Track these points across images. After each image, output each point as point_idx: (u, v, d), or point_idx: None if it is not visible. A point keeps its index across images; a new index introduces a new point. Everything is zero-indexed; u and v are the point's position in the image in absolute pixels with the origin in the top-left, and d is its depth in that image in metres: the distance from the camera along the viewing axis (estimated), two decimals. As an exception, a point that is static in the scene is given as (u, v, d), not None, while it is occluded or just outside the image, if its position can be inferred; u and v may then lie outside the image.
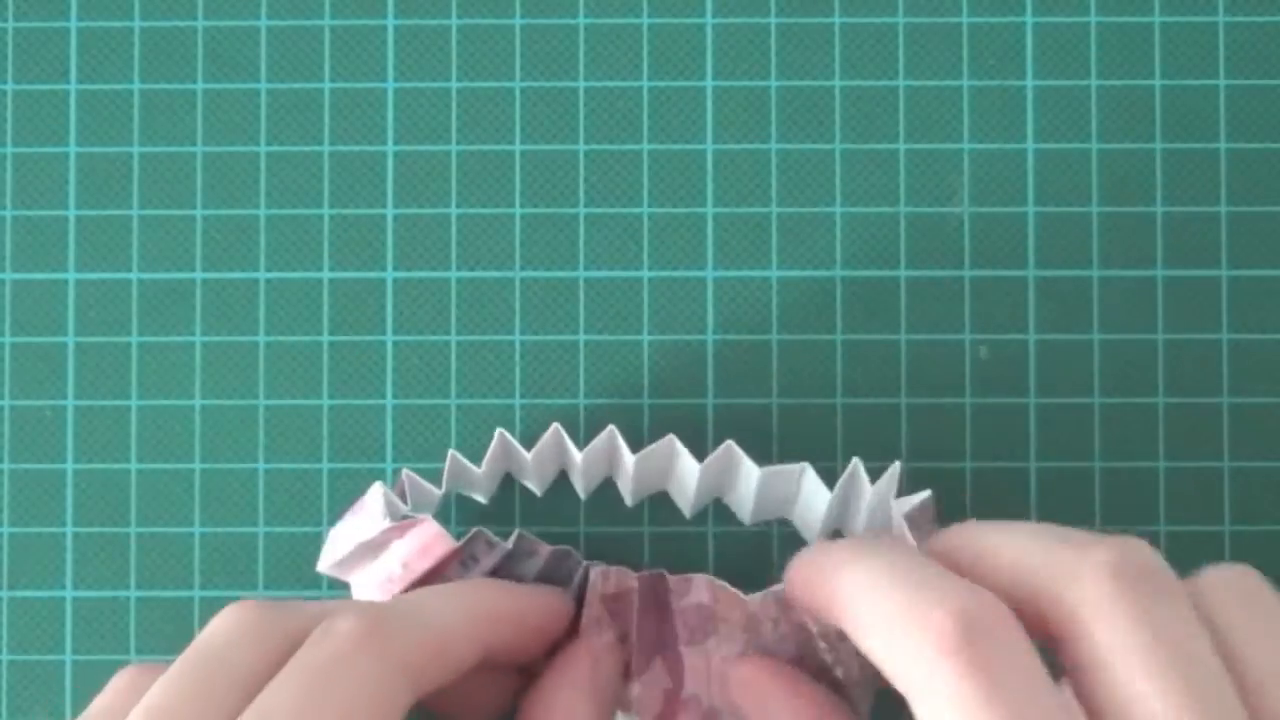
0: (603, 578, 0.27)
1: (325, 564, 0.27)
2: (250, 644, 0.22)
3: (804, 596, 0.24)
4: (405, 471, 0.28)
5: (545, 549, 0.27)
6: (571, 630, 0.27)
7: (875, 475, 0.28)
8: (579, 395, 0.30)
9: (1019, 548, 0.22)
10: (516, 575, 0.27)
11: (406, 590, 0.26)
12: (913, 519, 0.26)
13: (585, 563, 0.27)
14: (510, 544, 0.26)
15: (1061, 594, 0.21)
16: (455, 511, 0.30)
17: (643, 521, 0.30)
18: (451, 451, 0.28)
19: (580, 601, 0.27)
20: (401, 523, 0.26)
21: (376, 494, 0.27)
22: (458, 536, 0.27)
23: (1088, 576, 0.20)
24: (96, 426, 0.30)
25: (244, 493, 0.30)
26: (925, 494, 0.27)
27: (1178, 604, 0.20)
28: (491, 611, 0.25)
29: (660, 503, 0.30)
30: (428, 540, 0.26)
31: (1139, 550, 0.21)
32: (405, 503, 0.28)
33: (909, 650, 0.20)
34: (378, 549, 0.26)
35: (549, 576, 0.27)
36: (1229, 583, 0.22)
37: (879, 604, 0.21)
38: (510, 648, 0.25)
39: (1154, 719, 0.19)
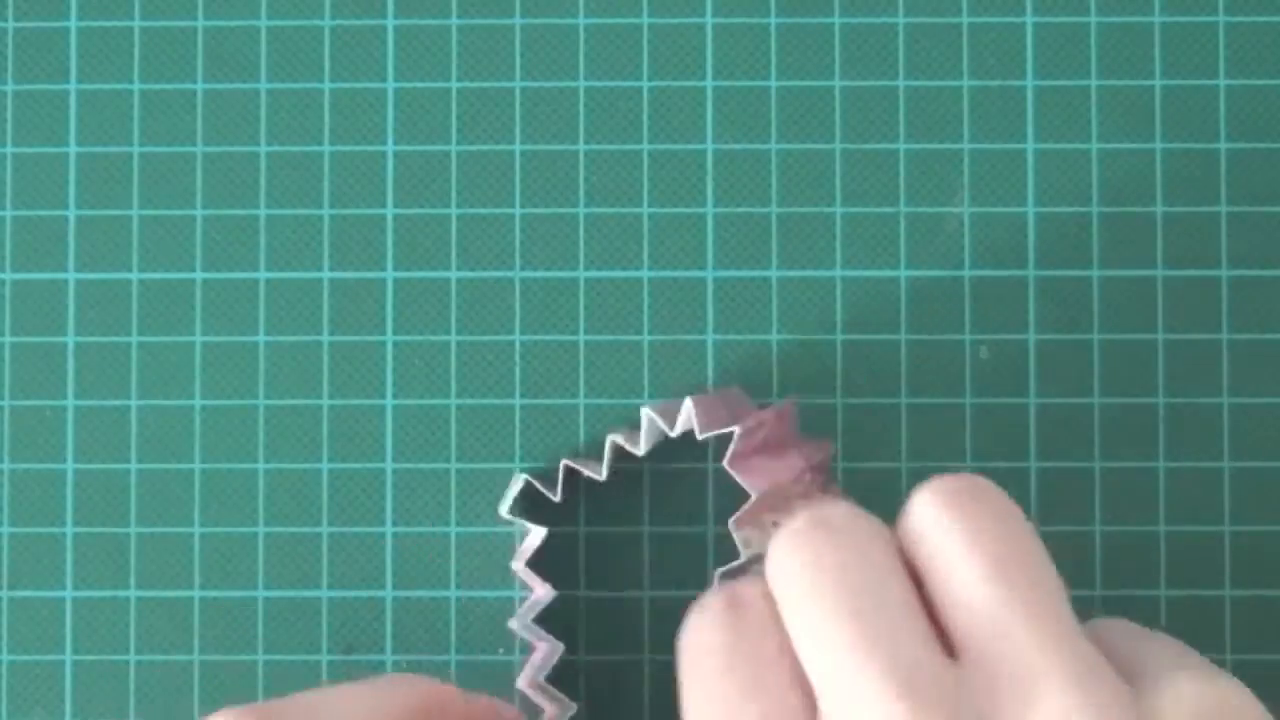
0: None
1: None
2: None
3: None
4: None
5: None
6: None
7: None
8: (579, 395, 0.30)
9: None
10: None
11: None
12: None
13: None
14: None
15: (910, 520, 0.21)
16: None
17: (643, 521, 0.30)
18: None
19: None
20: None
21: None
22: None
23: (929, 499, 0.21)
24: (96, 426, 0.30)
25: (244, 493, 0.30)
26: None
27: (841, 541, 0.21)
28: (400, 713, 0.24)
29: (660, 502, 0.30)
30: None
31: (973, 478, 0.21)
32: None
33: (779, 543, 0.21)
34: None
35: None
36: (922, 499, 0.22)
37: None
38: None
39: (978, 610, 0.20)
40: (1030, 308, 0.30)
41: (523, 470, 0.30)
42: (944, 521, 0.21)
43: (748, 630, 0.21)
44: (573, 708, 0.28)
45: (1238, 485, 0.30)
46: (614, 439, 0.28)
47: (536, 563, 0.28)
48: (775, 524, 0.26)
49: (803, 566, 0.21)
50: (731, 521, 0.26)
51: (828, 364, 0.30)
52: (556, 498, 0.29)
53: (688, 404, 0.27)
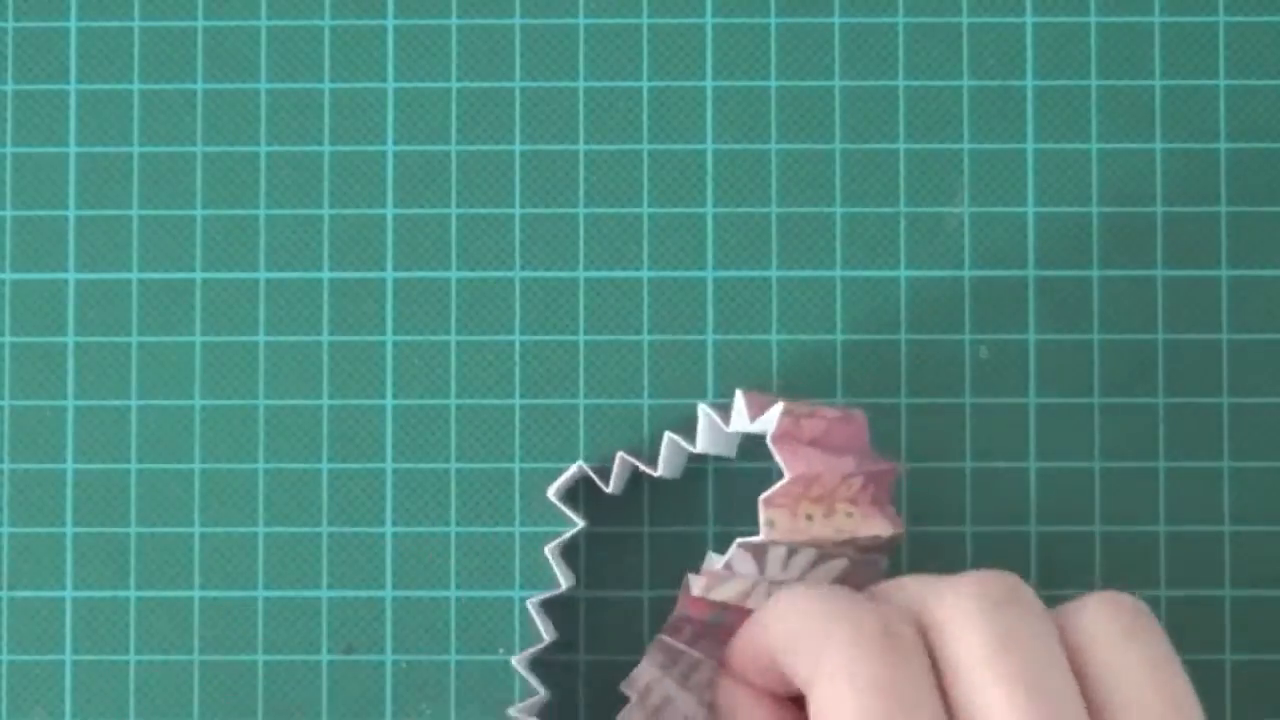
0: None
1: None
2: None
3: (743, 663, 0.26)
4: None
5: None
6: None
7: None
8: (579, 395, 0.30)
9: (906, 586, 0.24)
10: None
11: None
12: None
13: None
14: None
15: (932, 613, 0.23)
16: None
17: (643, 522, 0.30)
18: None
19: None
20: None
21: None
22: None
23: (950, 594, 0.22)
24: (96, 426, 0.30)
25: (244, 493, 0.30)
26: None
27: (1032, 620, 0.22)
28: None
29: (660, 504, 0.30)
30: None
31: (1002, 577, 0.23)
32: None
33: (821, 656, 0.22)
34: None
35: None
36: (1103, 609, 0.23)
37: (797, 626, 0.23)
38: None
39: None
40: (1030, 308, 0.30)
41: (523, 467, 0.30)
42: (1123, 643, 0.22)
43: (909, 672, 0.22)
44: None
45: (1238, 485, 0.30)
46: (672, 436, 0.28)
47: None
48: (810, 517, 0.26)
49: (997, 637, 0.22)
50: (762, 498, 0.26)
51: (828, 364, 0.30)
52: (609, 489, 0.29)
53: (741, 400, 0.27)
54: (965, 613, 0.22)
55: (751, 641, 0.25)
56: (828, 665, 0.22)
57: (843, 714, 0.21)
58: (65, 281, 0.31)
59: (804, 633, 0.23)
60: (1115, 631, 0.22)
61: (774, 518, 0.26)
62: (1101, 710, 0.22)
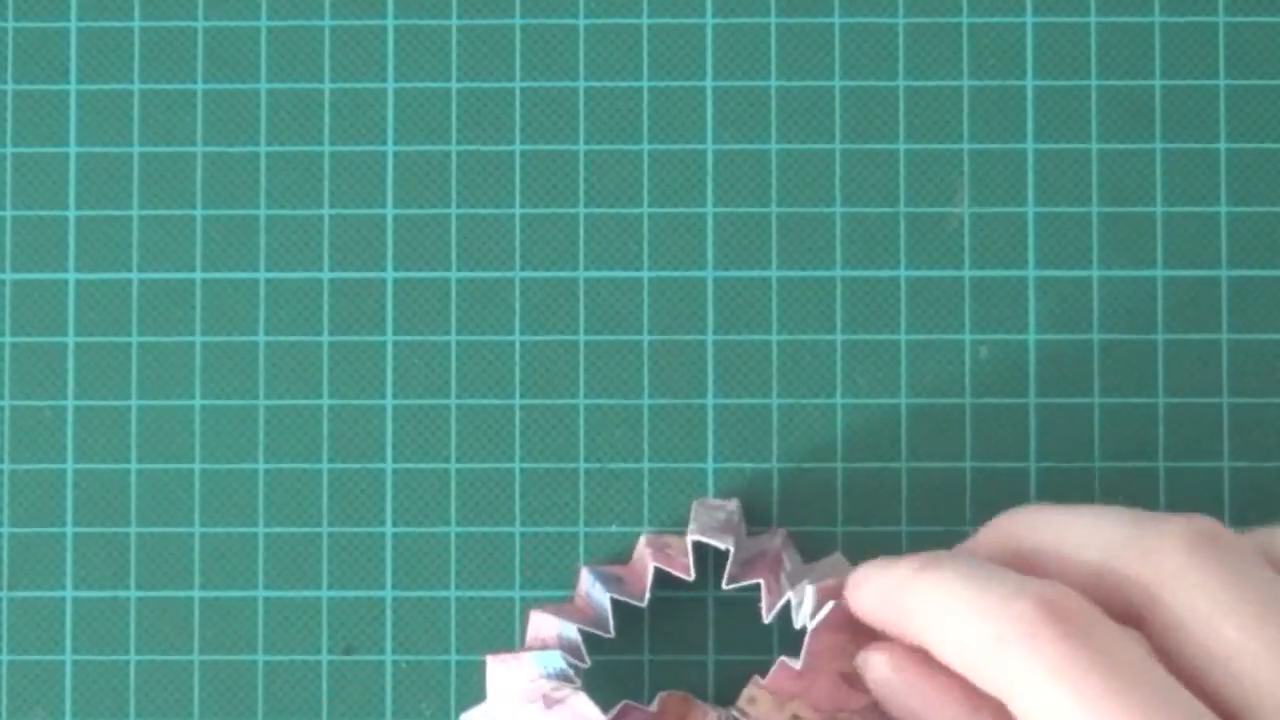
0: None
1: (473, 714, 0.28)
2: None
3: (873, 614, 0.24)
4: (533, 613, 0.28)
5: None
6: None
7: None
8: (579, 395, 0.30)
9: (1081, 536, 0.22)
10: None
11: None
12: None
13: None
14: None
15: (1138, 573, 0.21)
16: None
17: (643, 521, 0.30)
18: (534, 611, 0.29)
19: None
20: (554, 692, 0.26)
21: (529, 661, 0.27)
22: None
23: (1162, 551, 0.21)
24: (96, 426, 0.30)
25: (244, 493, 0.30)
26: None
27: (1253, 563, 0.21)
28: None
29: (660, 502, 0.30)
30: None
31: (1205, 521, 0.21)
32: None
33: (999, 647, 0.21)
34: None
35: None
36: None
37: (957, 611, 0.22)
38: None
39: (1259, 669, 0.19)
40: (1030, 308, 0.30)
41: (523, 468, 0.30)
42: None
43: (1118, 648, 0.20)
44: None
45: (1238, 485, 0.30)
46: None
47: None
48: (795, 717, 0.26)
49: (1224, 582, 0.20)
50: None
51: (827, 364, 0.30)
52: (690, 577, 0.28)
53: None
54: (1182, 566, 0.20)
55: (889, 620, 0.23)
56: (1004, 679, 0.20)
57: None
58: (65, 281, 0.31)
59: (964, 634, 0.21)
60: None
61: (756, 695, 0.26)
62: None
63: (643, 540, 0.29)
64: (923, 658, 0.23)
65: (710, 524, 0.28)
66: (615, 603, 0.28)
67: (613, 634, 0.27)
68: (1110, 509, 0.23)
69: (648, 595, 0.28)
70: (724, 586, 0.27)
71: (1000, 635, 0.21)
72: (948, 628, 0.22)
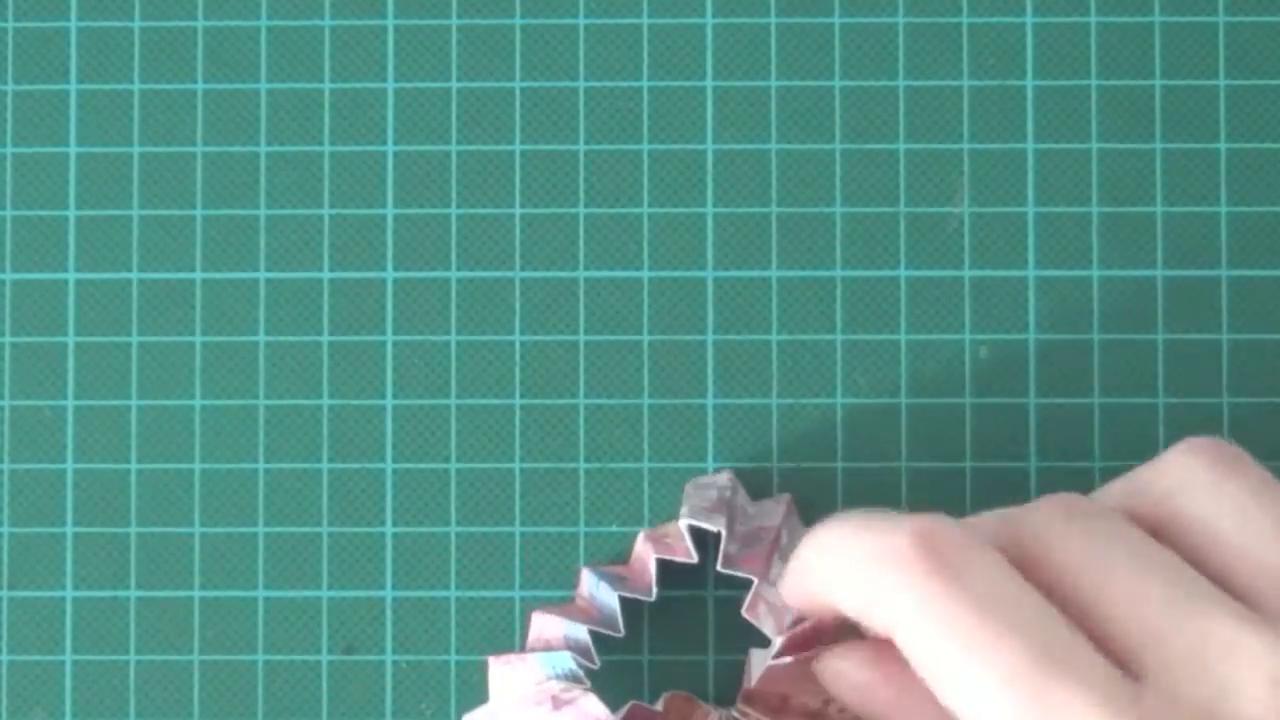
0: None
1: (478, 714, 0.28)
2: None
3: (795, 592, 0.24)
4: (535, 614, 0.28)
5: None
6: None
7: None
8: (579, 395, 0.30)
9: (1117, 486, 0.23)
10: None
11: None
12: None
13: None
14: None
15: (1153, 483, 0.22)
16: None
17: (643, 521, 0.30)
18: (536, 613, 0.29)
19: None
20: (563, 694, 0.26)
21: (533, 662, 0.27)
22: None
23: (1176, 461, 0.22)
24: (96, 426, 0.30)
25: (244, 493, 0.30)
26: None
27: (1109, 516, 0.22)
28: None
29: (660, 501, 0.30)
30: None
31: (1208, 439, 0.23)
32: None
33: (878, 584, 0.21)
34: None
35: None
36: (1182, 461, 0.23)
37: (847, 556, 0.22)
38: None
39: (1265, 553, 0.21)
40: (1030, 308, 0.30)
41: (523, 468, 0.30)
42: (1213, 491, 0.23)
43: (990, 577, 0.21)
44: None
45: (1238, 485, 0.30)
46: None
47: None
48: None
49: (1086, 540, 0.21)
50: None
51: (827, 364, 0.30)
52: (693, 559, 0.28)
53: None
54: (1192, 468, 0.22)
55: (802, 592, 0.24)
56: (888, 614, 0.21)
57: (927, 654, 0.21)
58: (65, 281, 0.31)
59: (851, 577, 0.22)
60: (1203, 481, 0.22)
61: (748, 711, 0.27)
62: (1206, 564, 0.21)
63: (641, 536, 0.29)
64: (874, 648, 0.24)
65: (701, 504, 0.28)
66: (623, 601, 0.28)
67: (622, 633, 0.27)
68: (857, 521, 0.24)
69: (654, 589, 0.28)
70: (719, 569, 0.27)
71: (878, 572, 0.21)
72: (842, 577, 0.22)
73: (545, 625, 0.28)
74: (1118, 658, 0.21)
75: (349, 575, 0.30)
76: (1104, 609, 0.21)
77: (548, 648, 0.28)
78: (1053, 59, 0.31)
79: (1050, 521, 0.22)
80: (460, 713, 0.29)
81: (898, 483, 0.30)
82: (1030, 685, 0.20)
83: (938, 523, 0.22)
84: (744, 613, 0.27)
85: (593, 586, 0.29)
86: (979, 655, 0.20)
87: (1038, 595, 0.21)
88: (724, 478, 0.29)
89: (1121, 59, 0.31)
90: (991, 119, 0.31)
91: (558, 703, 0.27)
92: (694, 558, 0.28)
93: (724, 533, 0.27)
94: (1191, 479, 0.22)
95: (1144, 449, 0.30)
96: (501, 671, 0.28)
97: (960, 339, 0.30)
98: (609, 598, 0.28)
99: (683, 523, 0.28)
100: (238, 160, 0.31)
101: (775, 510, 0.29)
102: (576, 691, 0.27)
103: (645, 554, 0.28)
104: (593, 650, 0.27)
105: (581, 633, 0.27)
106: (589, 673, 0.27)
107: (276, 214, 0.31)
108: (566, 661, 0.27)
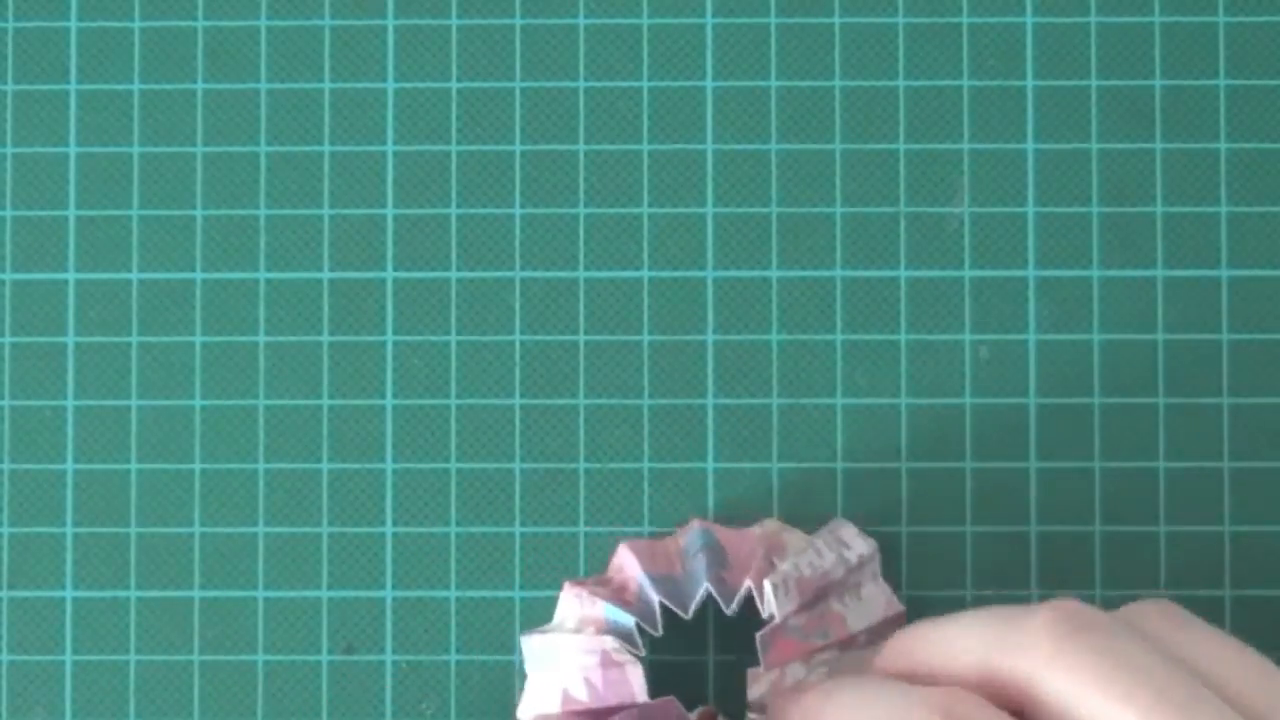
0: None
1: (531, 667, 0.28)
2: None
3: (905, 667, 0.25)
4: (623, 545, 0.28)
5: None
6: None
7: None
8: (579, 395, 0.30)
9: (960, 643, 0.23)
10: None
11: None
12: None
13: None
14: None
15: (1014, 665, 0.22)
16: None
17: (643, 522, 0.30)
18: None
19: None
20: (616, 654, 0.27)
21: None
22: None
23: (1030, 645, 0.21)
24: (96, 426, 0.30)
25: (244, 493, 0.30)
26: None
27: (1119, 635, 0.22)
28: None
29: (660, 501, 0.30)
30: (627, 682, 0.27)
31: (1069, 606, 0.22)
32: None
33: (1013, 640, 0.22)
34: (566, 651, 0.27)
35: None
36: (1156, 611, 0.23)
37: (980, 624, 0.23)
38: None
39: None
40: (1030, 308, 0.30)
41: (523, 468, 0.30)
42: (1186, 630, 0.23)
43: None
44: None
45: (1238, 485, 0.30)
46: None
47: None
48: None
49: (1095, 660, 0.21)
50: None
51: (827, 364, 0.30)
52: (688, 615, 0.28)
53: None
54: (1052, 650, 0.21)
55: (910, 663, 0.24)
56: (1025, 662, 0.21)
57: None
58: (65, 281, 0.31)
59: (983, 635, 0.22)
60: (1174, 625, 0.22)
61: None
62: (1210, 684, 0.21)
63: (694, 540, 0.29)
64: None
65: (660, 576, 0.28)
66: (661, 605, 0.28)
67: (660, 632, 0.27)
68: (983, 611, 0.23)
69: (693, 607, 0.28)
70: (728, 612, 0.27)
71: (1013, 632, 0.22)
72: (972, 639, 0.23)
73: (625, 563, 0.28)
74: None
75: (349, 575, 0.30)
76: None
77: (622, 588, 0.28)
78: (1053, 59, 0.31)
79: (1049, 650, 0.22)
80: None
81: (898, 483, 0.30)
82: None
83: (953, 696, 0.22)
84: (728, 610, 0.27)
85: (690, 552, 0.28)
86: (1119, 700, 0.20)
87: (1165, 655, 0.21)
88: (860, 552, 0.29)
89: (1121, 59, 0.31)
90: (991, 119, 0.31)
91: (607, 660, 0.27)
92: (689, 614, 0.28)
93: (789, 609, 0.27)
94: (1165, 626, 0.23)
95: (1144, 449, 0.30)
96: (571, 601, 0.28)
97: (960, 339, 0.30)
98: (650, 597, 0.28)
99: (773, 579, 0.27)
100: (238, 160, 0.31)
101: (752, 538, 0.29)
102: (627, 657, 0.27)
103: (697, 570, 0.28)
104: (637, 638, 0.27)
105: (629, 621, 0.27)
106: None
107: (276, 214, 0.31)
108: (629, 621, 0.27)
